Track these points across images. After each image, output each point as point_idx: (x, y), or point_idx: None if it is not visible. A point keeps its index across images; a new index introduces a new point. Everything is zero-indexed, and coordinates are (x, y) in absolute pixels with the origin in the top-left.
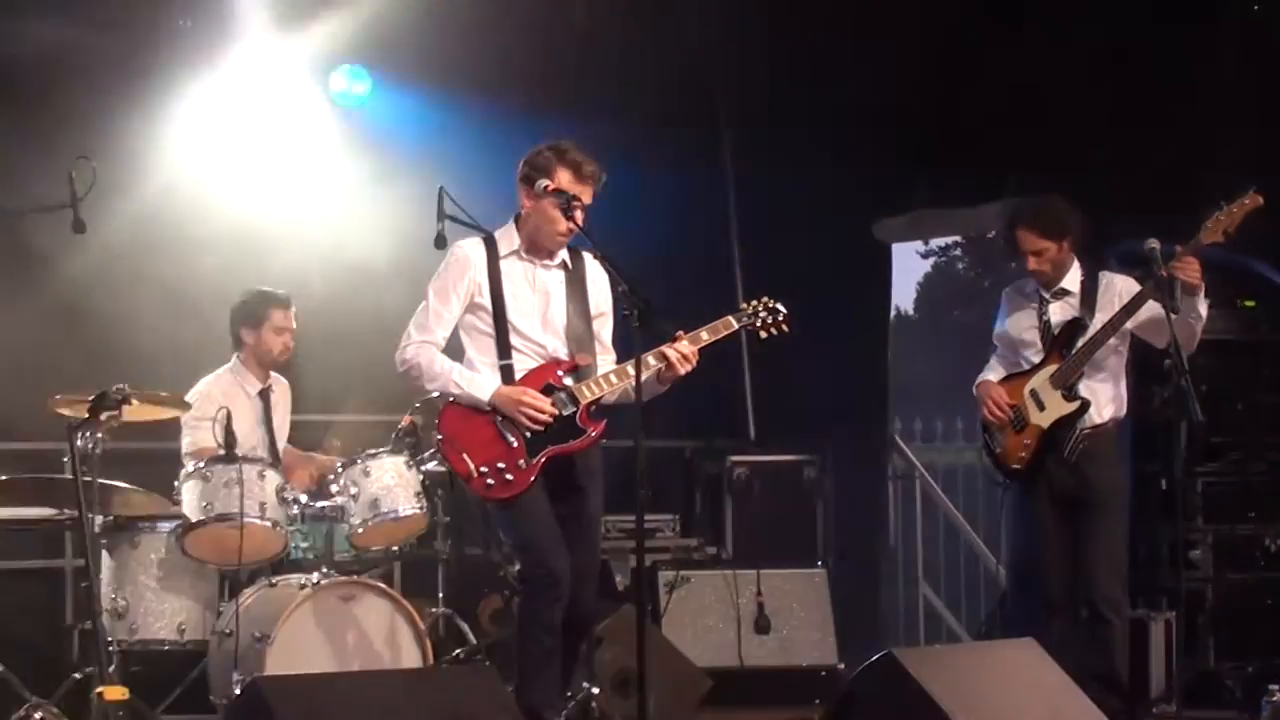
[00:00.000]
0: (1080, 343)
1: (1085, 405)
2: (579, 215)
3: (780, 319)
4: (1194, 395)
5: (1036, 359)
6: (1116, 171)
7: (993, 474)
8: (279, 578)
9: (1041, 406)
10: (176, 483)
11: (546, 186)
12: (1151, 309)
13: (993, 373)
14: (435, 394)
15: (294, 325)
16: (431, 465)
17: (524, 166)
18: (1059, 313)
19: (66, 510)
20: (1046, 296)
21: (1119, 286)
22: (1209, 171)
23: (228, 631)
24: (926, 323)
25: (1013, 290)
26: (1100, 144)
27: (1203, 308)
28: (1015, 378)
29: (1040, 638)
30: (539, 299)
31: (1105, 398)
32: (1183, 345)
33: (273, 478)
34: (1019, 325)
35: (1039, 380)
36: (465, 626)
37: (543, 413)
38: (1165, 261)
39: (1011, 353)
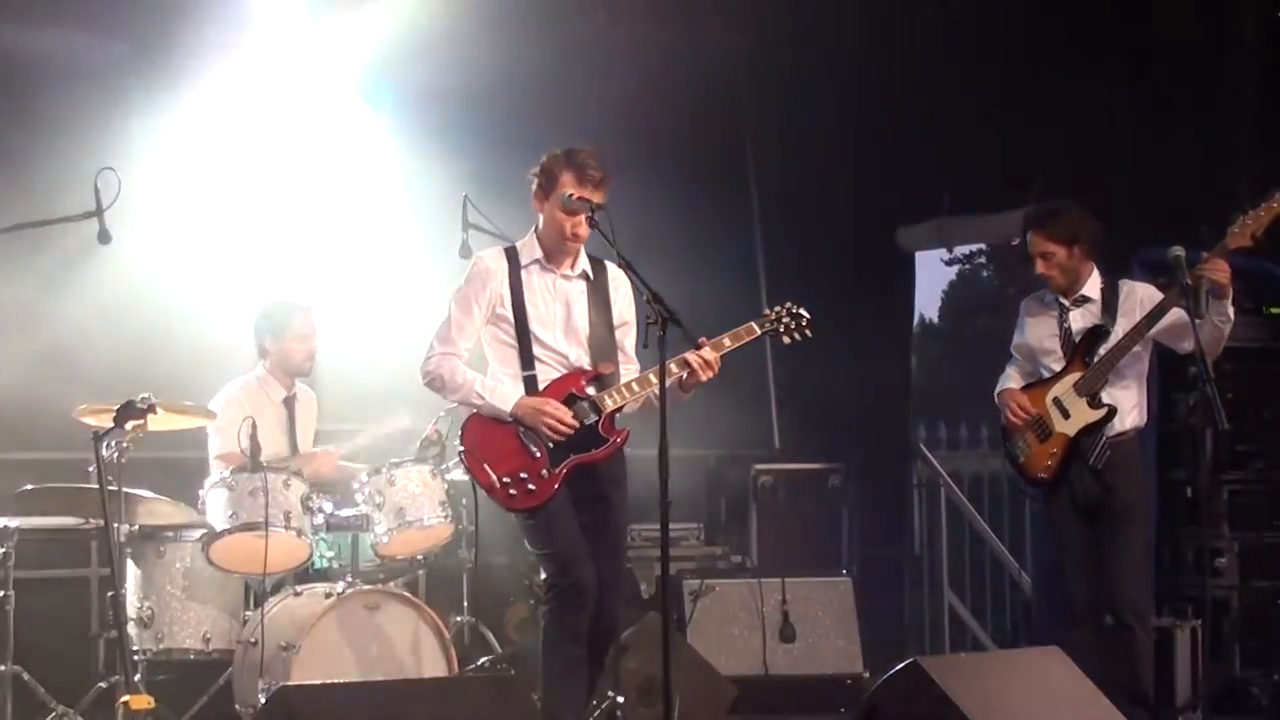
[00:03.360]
0: (1103, 350)
1: (1112, 412)
2: (584, 219)
3: (804, 324)
4: (1219, 402)
5: (1057, 367)
6: (1143, 177)
7: (1018, 482)
8: (304, 587)
9: (1066, 415)
10: (201, 491)
11: (552, 192)
12: (1175, 315)
13: (1011, 381)
14: (457, 404)
15: (316, 332)
16: (456, 474)
17: (535, 173)
18: (1080, 320)
19: (92, 519)
20: (1066, 304)
21: (1140, 294)
22: (1237, 177)
23: (253, 640)
24: (951, 330)
25: (1032, 299)
26: (1126, 149)
27: (1230, 310)
28: (1036, 386)
29: (1065, 646)
30: (560, 308)
31: (1128, 405)
32: (1209, 349)
33: (298, 487)
34: (1039, 333)
35: (1062, 388)
36: (490, 635)
37: (564, 423)
38: (1190, 268)
39: (1030, 362)
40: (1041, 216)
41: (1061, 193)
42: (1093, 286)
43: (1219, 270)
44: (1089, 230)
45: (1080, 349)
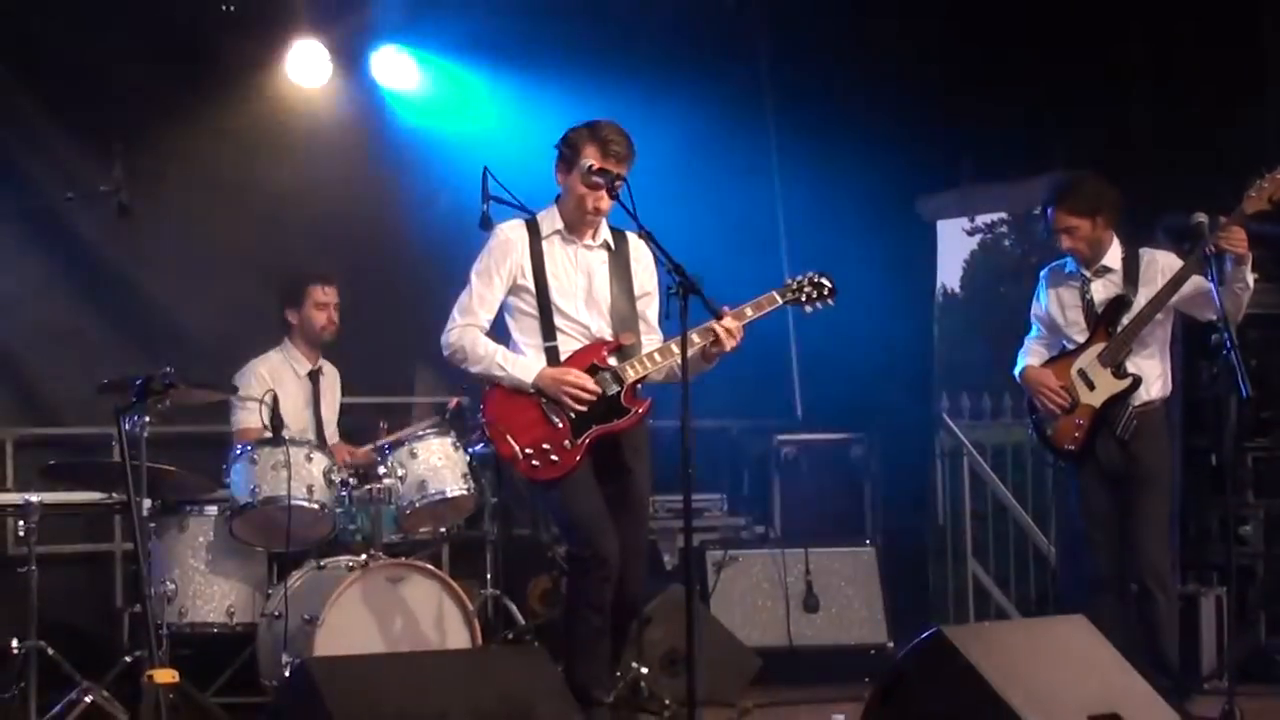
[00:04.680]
0: (1126, 320)
1: (1137, 382)
2: (606, 193)
3: (826, 293)
4: (1243, 370)
5: (1081, 338)
6: (1165, 143)
7: (1041, 452)
8: (327, 560)
9: (1091, 386)
10: (224, 465)
11: (575, 164)
12: (1196, 282)
13: (1032, 357)
14: (479, 376)
15: (336, 300)
16: (478, 447)
17: (559, 145)
18: (1102, 291)
19: (115, 494)
20: (1088, 275)
21: (1161, 262)
22: (1259, 141)
23: (276, 614)
24: (973, 300)
25: (1052, 270)
26: (1148, 115)
27: (1250, 277)
28: (1058, 359)
29: (1090, 614)
30: (582, 279)
31: (1152, 374)
32: (1230, 317)
33: (320, 460)
34: (1061, 305)
35: (1086, 360)
36: (514, 607)
37: (586, 392)
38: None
39: (1053, 333)
40: (1062, 191)
41: (1082, 159)
42: (1114, 256)
43: (1235, 239)
44: (1110, 200)
45: (1103, 320)
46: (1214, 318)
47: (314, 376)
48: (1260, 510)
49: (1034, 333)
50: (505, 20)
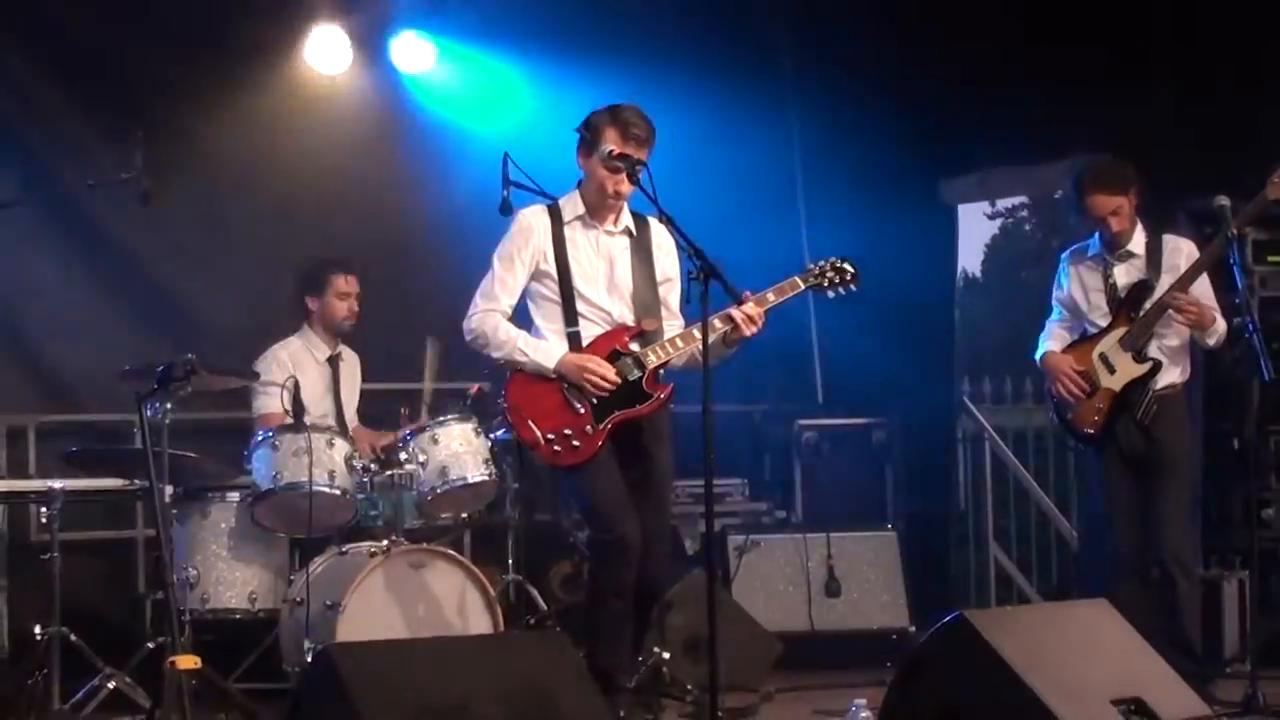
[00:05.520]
0: (1148, 304)
1: (1157, 366)
2: (627, 177)
3: (848, 278)
4: (1265, 353)
5: (1103, 322)
6: (1186, 127)
7: (1063, 436)
8: (349, 546)
9: (1112, 370)
10: (246, 452)
11: (596, 148)
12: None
13: (1054, 341)
14: (502, 362)
15: (357, 289)
16: (500, 433)
17: (580, 129)
18: (1124, 275)
19: (137, 480)
20: (1111, 259)
21: (1185, 249)
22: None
23: (299, 600)
24: (994, 284)
25: (1074, 253)
26: (1169, 98)
27: (1210, 340)
28: (1080, 343)
29: (1112, 598)
30: (604, 265)
31: (1174, 359)
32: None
33: (341, 446)
34: (1084, 288)
35: (1107, 344)
36: (535, 593)
37: (607, 379)
38: (1234, 218)
39: (1074, 316)
40: (1098, 174)
41: (1103, 143)
42: (1137, 241)
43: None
44: (1138, 181)
45: (1126, 304)
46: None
47: (333, 362)
48: None
49: (1055, 316)
50: (525, 4)
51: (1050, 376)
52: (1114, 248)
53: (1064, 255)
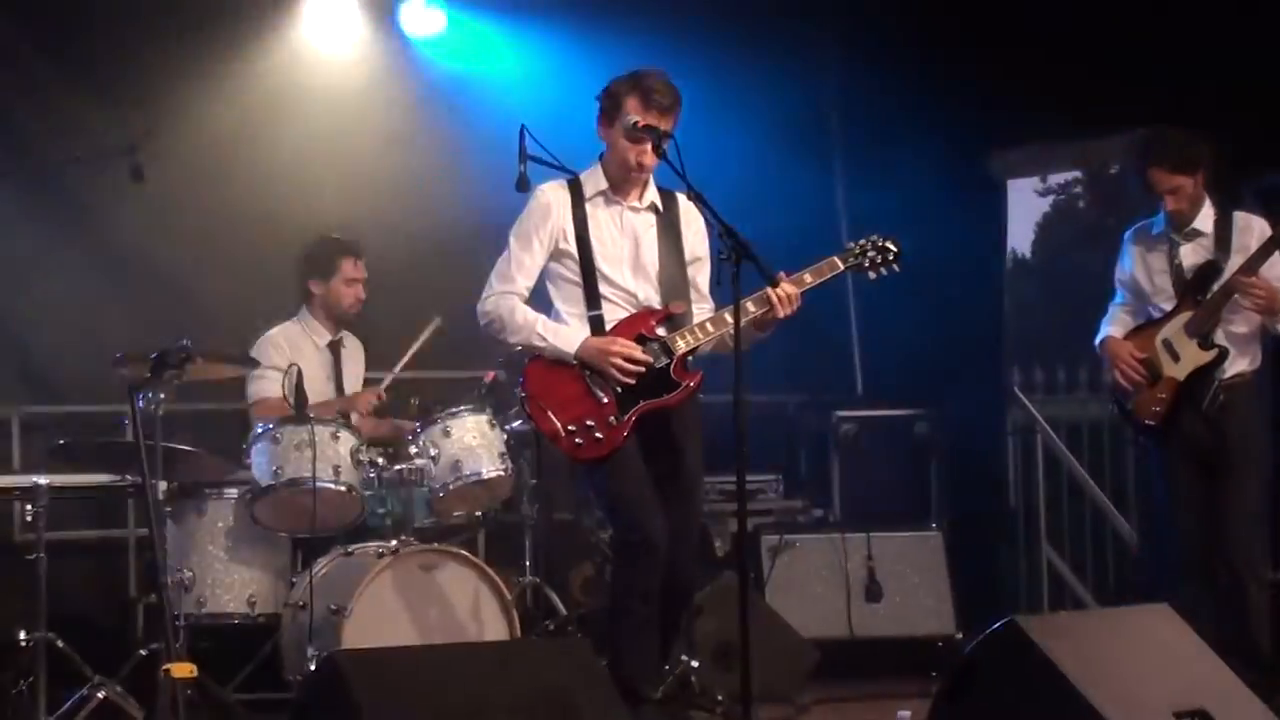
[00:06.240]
0: (1215, 287)
1: (1224, 354)
2: (650, 148)
3: (891, 258)
4: None
5: (1168, 306)
6: (1255, 97)
7: (1122, 428)
8: (355, 546)
9: (1176, 357)
10: (245, 445)
11: (617, 118)
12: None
13: (1116, 325)
14: (519, 348)
15: (365, 275)
16: (517, 424)
17: (600, 97)
18: (1191, 255)
19: (128, 476)
20: (1177, 239)
21: (1257, 227)
22: None
23: (301, 604)
24: (1046, 266)
25: (1137, 232)
26: (1230, 64)
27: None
28: (1144, 328)
29: (1174, 603)
30: (628, 243)
31: (1242, 346)
32: None
33: (347, 439)
34: (1147, 270)
35: (1171, 329)
36: (555, 597)
37: (633, 364)
38: None
39: (1138, 300)
40: (1159, 149)
41: (1163, 113)
42: (1205, 219)
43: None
44: (1205, 155)
45: (1192, 287)
46: None
47: (334, 348)
48: None
49: (1118, 299)
50: None
51: (1109, 362)
52: (1179, 226)
53: (1127, 233)
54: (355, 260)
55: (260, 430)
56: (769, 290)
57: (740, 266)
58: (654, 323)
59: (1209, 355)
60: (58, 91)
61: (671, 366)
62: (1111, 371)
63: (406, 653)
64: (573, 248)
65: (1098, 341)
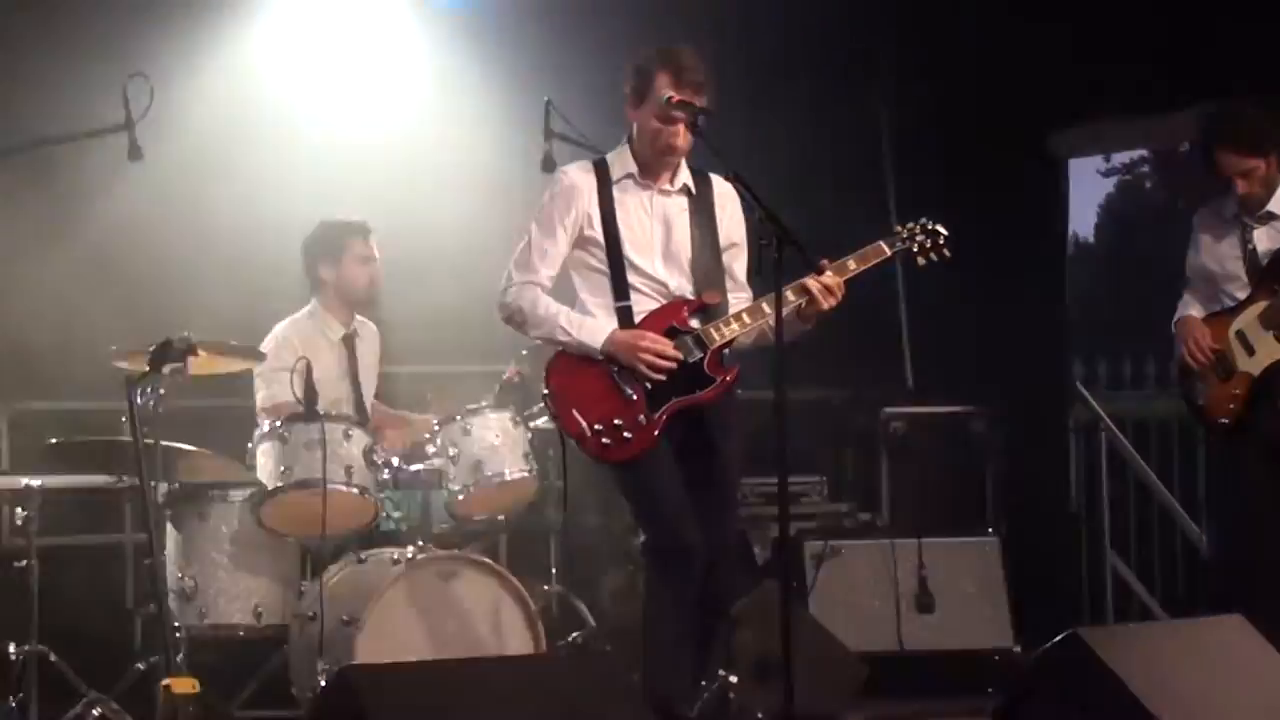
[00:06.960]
0: None
1: None
2: (683, 127)
3: (941, 242)
4: None
5: (1241, 294)
6: None
7: (1194, 426)
8: (369, 553)
9: (1250, 351)
10: (250, 444)
11: (647, 96)
12: None
13: (1193, 308)
14: (541, 342)
15: (377, 255)
16: (541, 422)
17: (627, 75)
18: (1266, 240)
19: (125, 477)
20: (1250, 222)
21: None
22: None
23: (311, 615)
24: (1110, 252)
25: (1207, 214)
26: None
27: None
28: (1218, 316)
29: (1250, 614)
30: (659, 229)
31: None
32: None
33: (360, 438)
34: (1218, 255)
35: (1246, 320)
36: (582, 607)
37: (665, 358)
38: None
39: (1209, 287)
40: (1226, 128)
41: (1235, 88)
42: (1279, 201)
43: None
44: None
45: (1269, 274)
46: None
47: (349, 341)
48: None
49: (1190, 284)
50: None
51: (1177, 340)
52: (1251, 209)
53: (1196, 216)
54: (365, 239)
55: (267, 429)
56: (806, 280)
57: (782, 253)
58: (687, 314)
59: None
60: (52, 67)
61: (705, 361)
62: (1179, 349)
63: (423, 668)
64: (599, 234)
65: (1174, 321)
